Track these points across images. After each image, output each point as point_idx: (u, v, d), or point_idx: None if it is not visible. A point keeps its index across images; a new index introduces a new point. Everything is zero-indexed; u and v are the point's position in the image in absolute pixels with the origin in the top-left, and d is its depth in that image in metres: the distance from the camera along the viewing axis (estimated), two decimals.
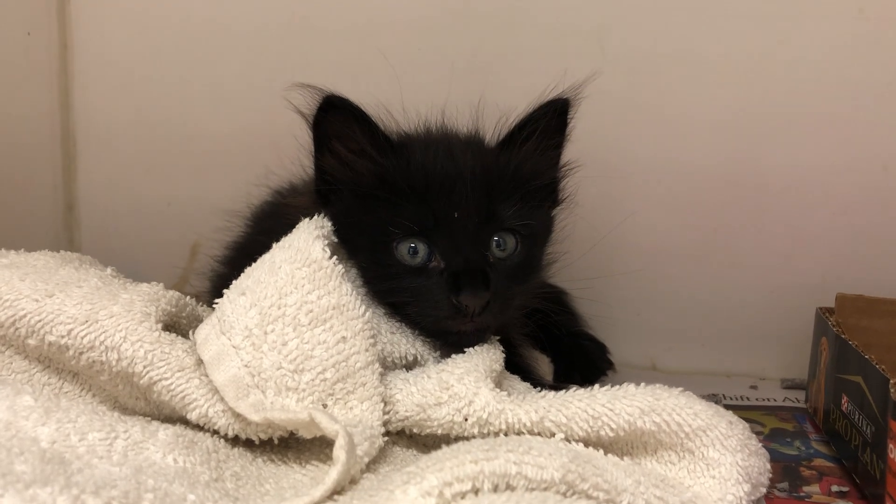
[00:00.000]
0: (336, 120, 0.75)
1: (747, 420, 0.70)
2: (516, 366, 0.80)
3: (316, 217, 0.75)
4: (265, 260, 0.72)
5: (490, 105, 0.83)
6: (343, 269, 0.70)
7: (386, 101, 0.79)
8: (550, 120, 0.80)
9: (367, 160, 0.75)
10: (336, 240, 0.75)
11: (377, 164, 0.75)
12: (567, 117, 0.81)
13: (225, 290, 0.72)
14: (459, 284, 0.72)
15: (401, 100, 0.81)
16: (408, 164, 0.76)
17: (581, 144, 0.85)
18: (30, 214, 1.17)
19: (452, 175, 0.75)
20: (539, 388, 0.73)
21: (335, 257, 0.70)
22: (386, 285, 0.75)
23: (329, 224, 0.75)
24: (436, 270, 0.75)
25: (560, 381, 0.90)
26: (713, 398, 0.96)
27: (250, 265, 0.74)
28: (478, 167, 0.76)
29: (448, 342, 0.75)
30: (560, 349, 0.94)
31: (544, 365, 0.92)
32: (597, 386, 0.68)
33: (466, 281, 0.73)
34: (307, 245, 0.70)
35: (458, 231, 0.74)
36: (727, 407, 0.70)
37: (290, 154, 0.85)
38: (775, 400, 0.99)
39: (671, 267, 1.08)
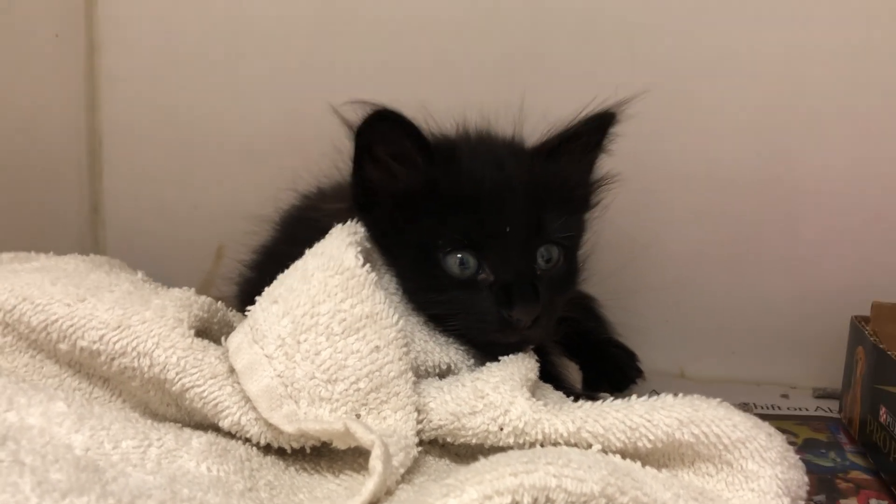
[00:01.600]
0: (382, 130, 0.73)
1: (779, 430, 0.68)
2: (548, 373, 0.79)
3: (349, 223, 0.74)
4: (297, 267, 0.71)
5: (518, 108, 0.83)
6: (376, 277, 0.69)
7: (414, 102, 0.78)
8: (596, 133, 0.79)
9: (415, 170, 0.74)
10: (369, 245, 0.74)
11: (425, 175, 0.74)
12: (609, 130, 0.80)
13: (257, 298, 0.71)
14: (511, 298, 0.72)
15: (430, 101, 0.80)
16: (458, 175, 0.74)
17: (611, 152, 0.84)
18: (55, 216, 1.17)
19: (503, 187, 0.74)
20: (573, 398, 0.72)
21: (368, 265, 0.69)
22: (431, 297, 0.74)
23: (362, 230, 0.74)
24: (485, 283, 0.74)
25: (589, 390, 0.89)
26: (743, 407, 0.94)
27: (279, 270, 0.73)
28: (528, 179, 0.75)
29: (492, 353, 0.74)
30: (589, 357, 0.93)
31: (573, 372, 0.91)
32: (634, 396, 0.67)
33: (518, 294, 0.72)
34: (340, 252, 0.69)
35: (508, 244, 0.73)
36: (757, 416, 0.69)
37: (318, 157, 0.84)
38: (807, 409, 0.97)
39: (700, 273, 1.06)
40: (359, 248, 0.70)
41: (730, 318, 1.07)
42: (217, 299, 0.80)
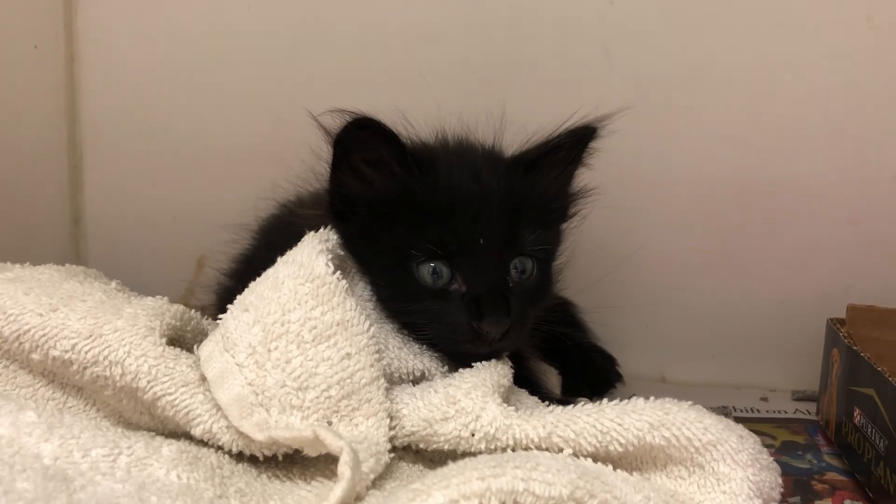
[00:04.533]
0: (361, 137, 0.72)
1: (758, 432, 0.69)
2: (524, 379, 0.79)
3: (321, 230, 0.74)
4: (268, 275, 0.71)
5: (496, 116, 0.83)
6: (347, 285, 0.69)
7: (393, 110, 0.78)
8: (576, 146, 0.79)
9: (392, 178, 0.74)
10: (342, 253, 0.74)
11: (402, 184, 0.73)
12: (589, 144, 0.80)
13: (229, 306, 0.71)
14: (482, 310, 0.72)
15: (411, 108, 0.80)
16: (434, 185, 0.74)
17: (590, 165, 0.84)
18: (37, 227, 1.17)
19: (479, 198, 0.74)
20: (547, 403, 0.72)
21: (339, 272, 0.69)
22: (404, 305, 0.74)
23: (335, 237, 0.74)
24: (457, 294, 0.74)
25: (568, 394, 0.89)
26: (723, 410, 0.95)
27: (256, 279, 0.73)
28: (504, 191, 0.75)
29: (462, 362, 0.74)
30: (569, 362, 0.93)
31: (553, 378, 0.91)
32: (605, 400, 0.67)
33: (489, 307, 0.72)
34: (310, 260, 0.69)
35: (481, 255, 0.73)
36: (737, 419, 0.69)
37: (297, 165, 0.84)
38: (786, 412, 0.98)
39: (680, 279, 1.07)
40: (330, 256, 0.70)
41: (710, 322, 1.07)
42: (198, 309, 0.80)
